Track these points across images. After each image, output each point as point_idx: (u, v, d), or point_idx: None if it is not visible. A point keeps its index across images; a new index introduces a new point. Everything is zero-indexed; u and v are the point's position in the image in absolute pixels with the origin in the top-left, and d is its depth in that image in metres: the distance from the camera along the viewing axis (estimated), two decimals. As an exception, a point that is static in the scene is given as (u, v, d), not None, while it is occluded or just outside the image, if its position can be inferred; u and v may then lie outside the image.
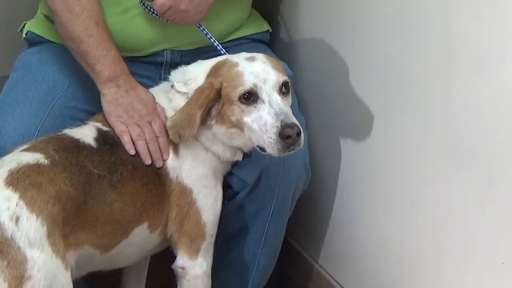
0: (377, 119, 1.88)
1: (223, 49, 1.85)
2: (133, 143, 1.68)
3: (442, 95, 1.62)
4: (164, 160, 1.69)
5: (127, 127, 1.69)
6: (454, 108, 1.59)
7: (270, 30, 2.16)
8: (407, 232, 1.81)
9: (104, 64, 1.72)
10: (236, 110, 1.63)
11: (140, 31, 1.90)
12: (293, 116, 1.60)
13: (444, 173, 1.64)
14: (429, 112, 1.67)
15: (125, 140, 1.67)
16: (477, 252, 1.57)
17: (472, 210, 1.57)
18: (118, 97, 1.72)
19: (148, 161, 1.67)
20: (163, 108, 1.74)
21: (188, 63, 1.80)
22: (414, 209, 1.77)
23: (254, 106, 1.61)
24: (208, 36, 1.86)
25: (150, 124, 1.71)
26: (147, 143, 1.68)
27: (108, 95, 1.73)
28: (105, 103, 1.73)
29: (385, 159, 1.87)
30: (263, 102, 1.61)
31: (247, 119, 1.62)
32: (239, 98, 1.62)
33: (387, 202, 1.87)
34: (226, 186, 1.86)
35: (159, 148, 1.69)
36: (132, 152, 1.66)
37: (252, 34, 2.09)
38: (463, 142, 1.57)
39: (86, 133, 1.68)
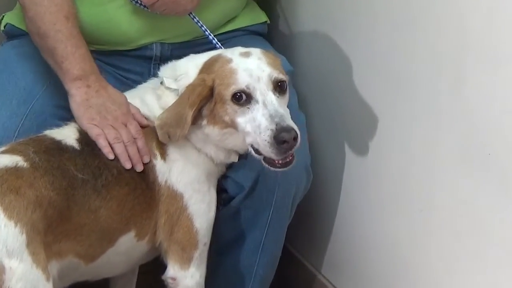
0: (383, 117, 1.88)
1: (217, 41, 1.86)
2: (110, 147, 1.67)
3: (454, 92, 1.62)
4: (144, 163, 1.68)
5: (102, 130, 1.68)
6: (466, 106, 1.59)
7: (268, 22, 2.16)
8: (416, 239, 1.80)
9: (73, 61, 1.71)
10: (229, 110, 1.64)
11: (126, 23, 1.90)
12: (289, 118, 1.60)
13: (455, 176, 1.64)
14: (439, 111, 1.67)
15: (102, 144, 1.66)
16: (491, 260, 1.57)
17: (486, 215, 1.56)
18: (89, 98, 1.71)
19: (128, 165, 1.66)
20: (137, 108, 1.74)
21: (179, 57, 1.80)
22: (423, 214, 1.77)
23: (248, 107, 1.61)
24: (203, 28, 1.87)
25: (126, 126, 1.70)
26: (125, 146, 1.67)
27: (77, 95, 1.72)
28: (74, 104, 1.72)
29: (392, 161, 1.87)
30: (257, 102, 1.61)
31: (240, 120, 1.63)
32: (232, 97, 1.62)
33: (394, 207, 1.88)
34: (221, 190, 1.86)
35: (138, 150, 1.68)
36: (111, 156, 1.66)
37: (249, 26, 2.09)
38: (476, 142, 1.57)
39: (68, 134, 1.68)
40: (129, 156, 1.67)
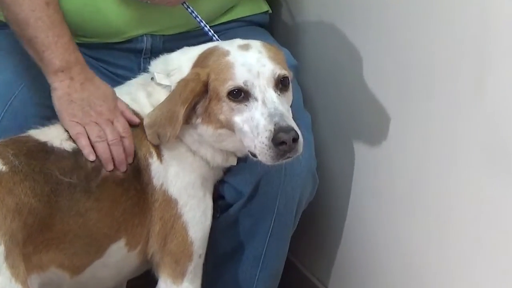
0: (397, 117, 1.88)
1: (214, 33, 1.85)
2: (93, 146, 1.67)
3: (475, 89, 1.61)
4: (128, 164, 1.67)
5: (84, 128, 1.68)
6: (488, 104, 1.58)
7: (270, 11, 2.16)
8: (433, 249, 1.80)
9: (55, 51, 1.71)
10: (225, 108, 1.63)
11: (114, 13, 1.90)
12: (290, 117, 1.60)
13: (477, 180, 1.64)
14: (459, 109, 1.66)
15: (82, 143, 1.65)
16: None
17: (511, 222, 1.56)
18: (72, 92, 1.70)
19: (109, 167, 1.65)
20: (126, 104, 1.73)
21: (171, 50, 1.80)
22: (441, 222, 1.76)
23: (245, 105, 1.61)
24: (198, 18, 1.86)
25: (112, 123, 1.70)
26: (109, 145, 1.66)
27: (59, 89, 1.71)
28: (56, 99, 1.71)
29: (406, 164, 1.87)
30: (256, 100, 1.61)
31: (237, 119, 1.62)
32: (228, 94, 1.62)
33: (409, 214, 1.87)
34: (218, 197, 1.86)
35: (124, 150, 1.67)
36: (92, 157, 1.64)
37: (248, 16, 2.09)
38: (500, 143, 1.56)
39: (55, 135, 1.67)
40: (112, 156, 1.66)
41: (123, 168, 1.66)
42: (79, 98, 1.70)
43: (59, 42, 1.71)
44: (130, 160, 1.67)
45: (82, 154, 1.65)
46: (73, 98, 1.70)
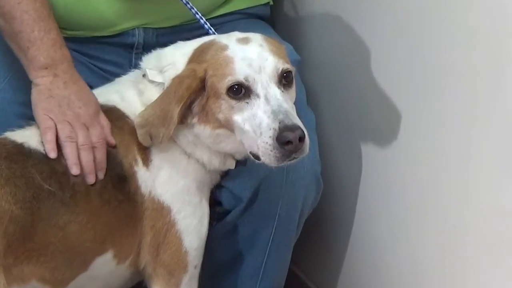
0: (408, 117, 1.86)
1: (210, 26, 1.84)
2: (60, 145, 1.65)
3: (492, 86, 1.59)
4: (97, 178, 1.65)
5: (56, 125, 1.66)
6: (508, 103, 1.56)
7: (271, 3, 2.16)
8: (448, 260, 1.78)
9: (40, 48, 1.69)
10: (224, 106, 1.62)
11: (104, 3, 1.89)
12: (295, 115, 1.58)
13: (496, 185, 1.61)
14: (475, 108, 1.65)
15: (47, 138, 1.63)
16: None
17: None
18: (53, 88, 1.69)
19: (75, 170, 1.62)
20: (109, 123, 1.71)
21: (165, 45, 1.79)
22: (456, 232, 1.75)
23: (247, 102, 1.60)
24: (193, 10, 1.85)
25: (88, 129, 1.68)
26: (78, 149, 1.65)
27: (41, 84, 1.69)
28: (35, 93, 1.70)
29: (418, 167, 1.85)
30: (258, 96, 1.59)
31: (237, 117, 1.61)
32: (227, 90, 1.60)
33: (422, 222, 1.85)
34: (214, 203, 1.85)
35: (94, 160, 1.66)
36: (53, 154, 1.62)
37: (248, 8, 2.09)
38: None
39: (31, 136, 1.66)
40: (80, 162, 1.64)
41: (90, 179, 1.64)
42: (59, 95, 1.69)
43: (45, 38, 1.70)
44: (101, 175, 1.65)
45: (55, 158, 1.64)
46: (53, 94, 1.69)
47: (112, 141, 1.70)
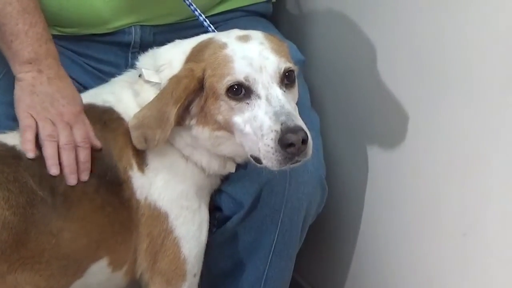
0: (416, 119, 1.86)
1: (210, 24, 1.84)
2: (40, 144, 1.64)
3: (506, 87, 1.58)
4: (81, 180, 1.64)
5: (36, 123, 1.65)
6: None
7: (273, 0, 2.17)
8: (458, 269, 1.78)
9: (25, 41, 1.69)
10: (223, 107, 1.62)
11: (99, 0, 1.89)
12: (298, 116, 1.58)
13: (505, 192, 1.61)
14: (487, 111, 1.64)
15: (26, 137, 1.62)
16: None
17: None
18: (36, 84, 1.68)
19: (54, 171, 1.61)
20: (91, 128, 1.70)
21: (163, 43, 1.79)
22: (467, 239, 1.74)
23: (247, 103, 1.59)
24: (192, 7, 1.85)
25: (71, 128, 1.67)
26: (59, 148, 1.64)
27: (24, 80, 1.69)
28: (18, 89, 1.69)
29: (427, 172, 1.84)
30: (259, 97, 1.59)
31: (237, 119, 1.60)
32: (227, 91, 1.60)
33: (430, 230, 1.85)
34: (214, 209, 1.85)
35: (77, 161, 1.64)
36: (30, 154, 1.60)
37: (249, 5, 2.09)
38: None
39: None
40: (61, 162, 1.63)
41: (72, 181, 1.62)
42: (42, 92, 1.68)
43: (30, 32, 1.69)
44: (84, 177, 1.64)
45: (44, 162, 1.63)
46: (36, 90, 1.68)
47: (98, 144, 1.69)
